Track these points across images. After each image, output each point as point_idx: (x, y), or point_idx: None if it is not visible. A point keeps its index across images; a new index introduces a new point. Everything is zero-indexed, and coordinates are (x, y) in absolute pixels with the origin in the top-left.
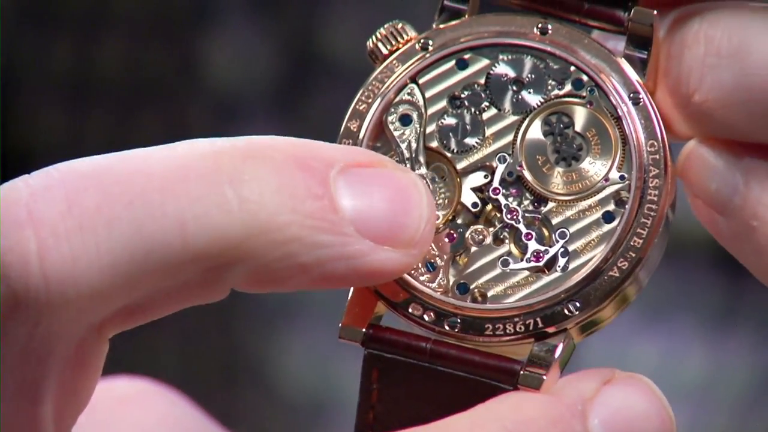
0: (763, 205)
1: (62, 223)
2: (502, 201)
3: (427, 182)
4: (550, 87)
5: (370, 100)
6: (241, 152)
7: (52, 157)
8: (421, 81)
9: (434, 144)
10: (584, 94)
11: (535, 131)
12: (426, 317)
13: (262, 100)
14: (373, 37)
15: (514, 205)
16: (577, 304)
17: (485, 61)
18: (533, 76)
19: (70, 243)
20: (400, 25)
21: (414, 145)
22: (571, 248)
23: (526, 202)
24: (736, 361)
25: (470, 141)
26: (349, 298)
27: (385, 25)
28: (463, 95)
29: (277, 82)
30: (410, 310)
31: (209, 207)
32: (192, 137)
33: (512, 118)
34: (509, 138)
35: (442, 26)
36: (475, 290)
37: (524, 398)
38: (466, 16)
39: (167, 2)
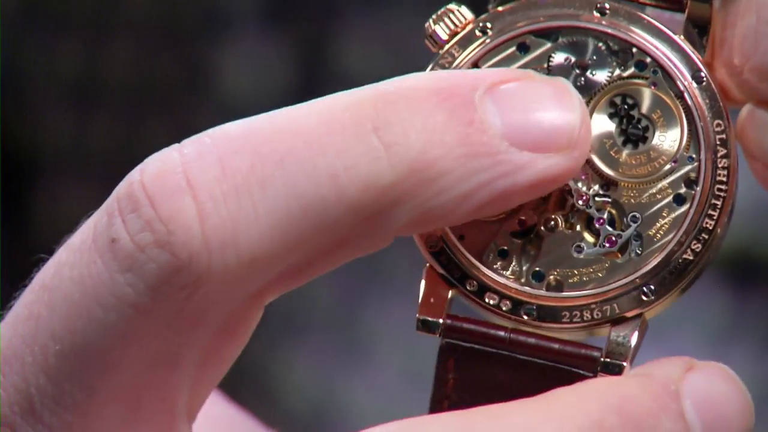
0: None
1: (218, 187)
2: (572, 186)
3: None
4: (613, 68)
5: None
6: (382, 97)
7: (57, 161)
8: (483, 66)
9: None
10: (648, 75)
11: (601, 114)
12: (503, 306)
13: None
14: (430, 20)
15: (584, 189)
16: (653, 288)
17: (547, 45)
18: (595, 57)
19: (228, 207)
20: (457, 8)
21: None
22: (643, 232)
23: (595, 187)
24: (738, 376)
25: None
26: (422, 289)
27: (443, 8)
28: None
29: (289, 93)
30: (486, 300)
31: (357, 157)
32: None
33: None
34: None
35: (500, 9)
36: (551, 277)
37: (623, 378)
38: None
39: (178, 9)
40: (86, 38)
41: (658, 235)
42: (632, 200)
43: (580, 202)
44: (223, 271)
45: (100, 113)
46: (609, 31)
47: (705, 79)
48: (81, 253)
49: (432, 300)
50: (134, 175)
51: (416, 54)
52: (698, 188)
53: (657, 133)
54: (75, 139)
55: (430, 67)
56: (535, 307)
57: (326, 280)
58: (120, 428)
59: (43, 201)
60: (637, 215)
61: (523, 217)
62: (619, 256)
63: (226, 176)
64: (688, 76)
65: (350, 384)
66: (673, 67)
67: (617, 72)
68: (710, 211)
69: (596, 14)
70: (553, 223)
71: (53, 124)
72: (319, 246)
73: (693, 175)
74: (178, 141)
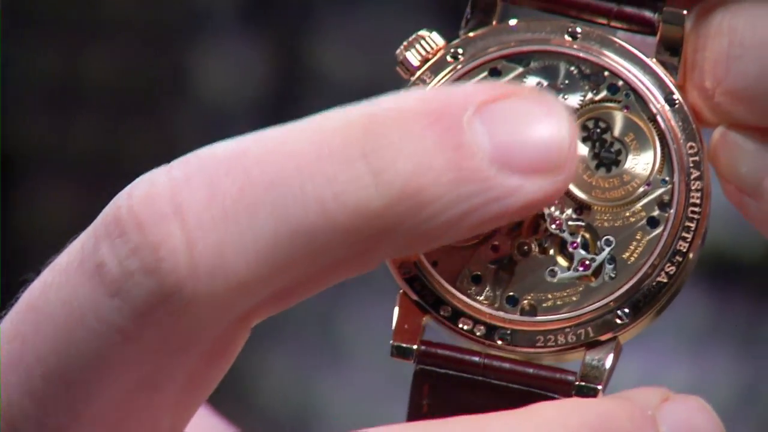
0: None
1: (207, 212)
2: (545, 210)
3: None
4: (585, 92)
5: None
6: (371, 120)
7: (38, 162)
8: None
9: None
10: (620, 98)
11: None
12: (477, 331)
13: (252, 112)
14: (401, 47)
15: (557, 213)
16: (627, 311)
17: (518, 69)
18: (567, 82)
19: (216, 233)
20: (428, 34)
21: None
22: (617, 255)
23: (569, 210)
24: (717, 379)
25: None
26: (395, 315)
27: (414, 35)
28: None
29: (267, 94)
30: (460, 325)
31: (346, 183)
32: (181, 147)
33: None
34: None
35: (471, 34)
36: (525, 302)
37: (600, 398)
38: (493, 23)
39: (158, 12)
40: (67, 40)
41: (632, 258)
42: (606, 224)
43: (554, 227)
44: (210, 297)
45: (81, 114)
46: (581, 54)
47: (678, 101)
48: (67, 276)
49: (406, 326)
50: (121, 198)
51: (391, 53)
52: (672, 211)
53: (630, 157)
54: (56, 140)
55: None
56: (509, 332)
57: None
58: None
59: (25, 202)
60: (611, 239)
61: (497, 243)
62: (593, 279)
63: (214, 200)
64: (661, 99)
65: (328, 386)
66: (645, 90)
67: (589, 96)
68: (684, 234)
69: (568, 38)
70: (526, 247)
71: (34, 125)
72: (307, 270)
73: (666, 197)
74: (160, 142)
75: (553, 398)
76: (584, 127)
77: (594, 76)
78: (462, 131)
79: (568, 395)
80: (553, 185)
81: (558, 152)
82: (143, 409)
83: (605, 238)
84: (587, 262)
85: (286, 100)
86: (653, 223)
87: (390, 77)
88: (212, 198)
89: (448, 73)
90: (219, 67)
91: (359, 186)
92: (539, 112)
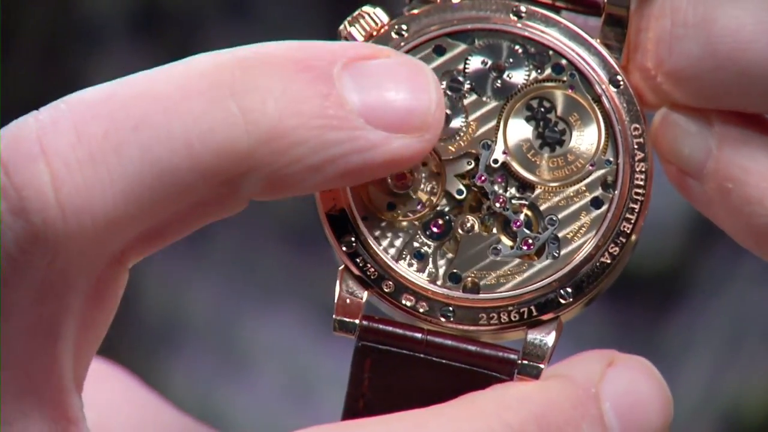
0: (737, 166)
1: (73, 154)
2: (489, 188)
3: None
4: (529, 71)
5: None
6: (240, 63)
7: None
8: None
9: None
10: (565, 78)
11: (518, 117)
12: (420, 308)
13: None
14: (345, 23)
15: (501, 192)
16: (570, 291)
17: (462, 47)
18: (512, 60)
19: (83, 173)
20: (372, 11)
21: None
22: (561, 234)
23: (512, 189)
24: None
25: (453, 128)
26: (337, 290)
27: (358, 11)
28: (442, 82)
29: None
30: (403, 301)
31: (213, 123)
32: None
33: (493, 104)
34: (492, 124)
35: (415, 12)
36: (468, 279)
37: (546, 383)
38: (437, 1)
39: (49, 23)
40: None
41: (576, 238)
42: (549, 203)
43: (497, 205)
44: (79, 236)
45: None
46: (525, 33)
47: (622, 83)
48: None
49: (348, 301)
50: None
51: None
52: (616, 192)
53: (574, 137)
54: None
55: None
56: (452, 309)
57: (202, 289)
58: (11, 403)
59: None
60: (554, 218)
61: (441, 220)
62: (536, 258)
63: (81, 142)
64: (606, 80)
65: (227, 394)
66: (590, 70)
67: (534, 75)
68: (628, 215)
69: (513, 17)
70: (470, 225)
71: None
72: (176, 209)
73: (610, 178)
74: None
75: (494, 377)
76: (528, 107)
77: (538, 55)
78: (331, 81)
79: (511, 374)
80: (418, 144)
81: (423, 112)
82: (43, 357)
83: (548, 217)
84: (530, 241)
85: None
86: (597, 203)
87: None
88: (78, 140)
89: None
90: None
91: (227, 125)
92: (406, 73)
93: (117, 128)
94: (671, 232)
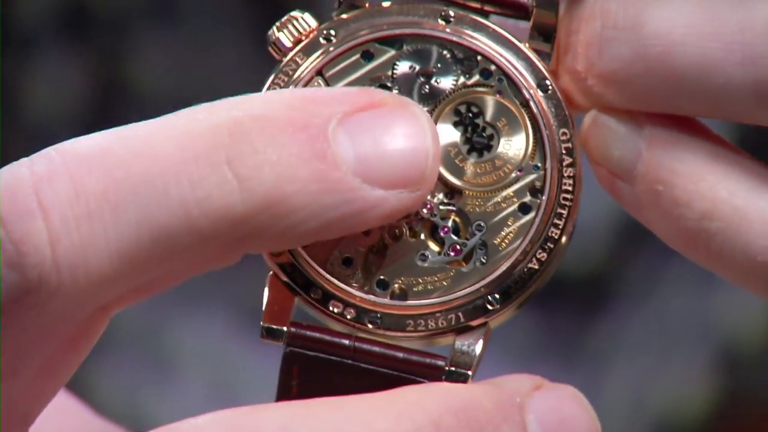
0: (667, 169)
1: (70, 211)
2: None
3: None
4: (458, 76)
5: None
6: (237, 125)
7: None
8: (327, 74)
9: None
10: (493, 83)
11: (446, 122)
12: (347, 314)
13: (72, 128)
14: (274, 28)
15: (428, 197)
16: (498, 297)
17: (391, 52)
18: (440, 65)
19: (80, 230)
20: (301, 16)
21: None
22: (489, 241)
23: (440, 195)
24: None
25: None
26: (266, 296)
27: (286, 15)
28: (371, 87)
29: (86, 110)
30: (330, 308)
31: (210, 189)
32: (4, 163)
33: None
34: None
35: (344, 17)
36: (395, 286)
37: (468, 384)
38: (366, 5)
39: None
40: None
41: (504, 244)
42: (477, 209)
43: (425, 211)
44: (72, 291)
45: None
46: (454, 38)
47: (550, 87)
48: None
49: (276, 308)
50: None
51: (208, 68)
52: (544, 197)
53: (502, 142)
54: None
55: (272, 75)
56: (379, 316)
57: None
58: None
59: None
60: (482, 224)
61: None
62: (464, 264)
63: (78, 199)
64: (534, 85)
65: (155, 401)
66: (518, 75)
67: (462, 80)
68: (556, 221)
69: (441, 22)
70: (397, 231)
71: None
72: (170, 268)
73: (538, 183)
74: None
75: (423, 384)
76: (456, 112)
77: (467, 60)
78: (327, 142)
79: (438, 380)
80: (414, 197)
81: (420, 166)
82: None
83: (476, 223)
84: (458, 247)
85: (105, 116)
86: (525, 209)
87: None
88: (76, 197)
89: (321, 54)
90: (38, 84)
91: (223, 192)
92: (402, 125)
93: (116, 187)
94: (598, 237)
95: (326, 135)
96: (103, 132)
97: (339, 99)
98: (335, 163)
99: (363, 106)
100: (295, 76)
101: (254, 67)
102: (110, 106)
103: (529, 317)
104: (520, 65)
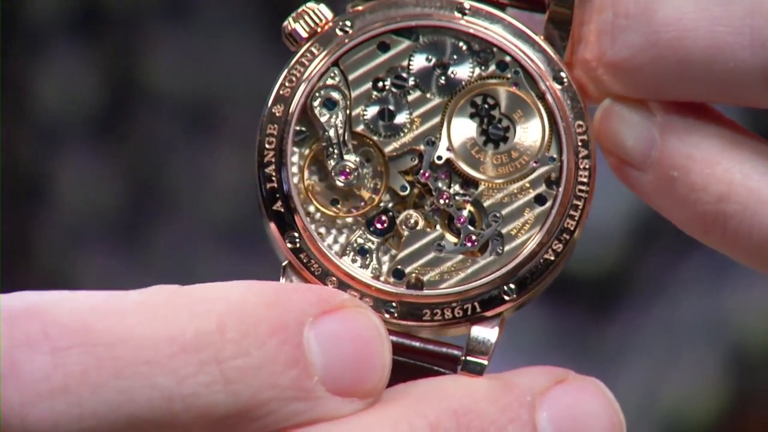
0: (682, 155)
1: (46, 383)
2: (432, 185)
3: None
4: (473, 68)
5: (293, 85)
6: (223, 324)
7: None
8: (343, 65)
9: (360, 128)
10: (509, 75)
11: (462, 113)
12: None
13: (84, 127)
14: (290, 19)
15: (445, 188)
16: (513, 287)
17: (407, 43)
18: (456, 57)
19: (53, 403)
20: (316, 7)
21: (341, 130)
22: (504, 231)
23: (456, 186)
24: None
25: (396, 124)
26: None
27: (302, 7)
28: (387, 78)
29: (98, 109)
30: None
31: (196, 386)
32: (16, 162)
33: (437, 101)
34: (436, 120)
35: (360, 8)
36: (411, 275)
37: (474, 382)
38: None
39: None
40: None
41: (519, 235)
42: (493, 199)
43: (441, 201)
44: None
45: None
46: (470, 30)
47: (566, 80)
48: None
49: None
50: None
51: (221, 64)
52: (560, 189)
53: (518, 133)
54: None
55: (288, 65)
56: (395, 305)
57: None
58: None
59: None
60: (498, 214)
61: (384, 216)
62: (480, 255)
63: (56, 373)
64: (550, 77)
65: None
66: (534, 67)
67: (478, 71)
68: (572, 212)
69: (457, 14)
70: (414, 221)
71: None
72: None
73: (554, 175)
74: None
75: (438, 373)
76: (472, 103)
77: (483, 52)
78: (302, 348)
79: (454, 370)
80: (362, 406)
81: (375, 380)
82: None
83: (492, 213)
84: (474, 238)
85: (118, 115)
86: (540, 200)
87: (219, 89)
88: (54, 371)
89: (337, 45)
90: (51, 83)
91: (209, 390)
92: (363, 338)
93: (98, 369)
94: (609, 238)
95: (301, 341)
96: (87, 297)
97: (311, 298)
98: (308, 371)
99: (332, 308)
100: (312, 66)
101: (267, 62)
102: (123, 104)
103: (541, 317)
104: (535, 57)
